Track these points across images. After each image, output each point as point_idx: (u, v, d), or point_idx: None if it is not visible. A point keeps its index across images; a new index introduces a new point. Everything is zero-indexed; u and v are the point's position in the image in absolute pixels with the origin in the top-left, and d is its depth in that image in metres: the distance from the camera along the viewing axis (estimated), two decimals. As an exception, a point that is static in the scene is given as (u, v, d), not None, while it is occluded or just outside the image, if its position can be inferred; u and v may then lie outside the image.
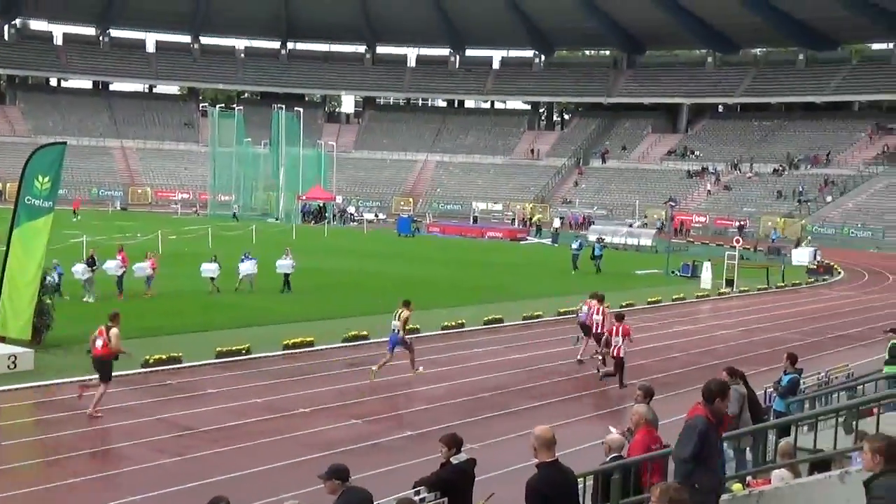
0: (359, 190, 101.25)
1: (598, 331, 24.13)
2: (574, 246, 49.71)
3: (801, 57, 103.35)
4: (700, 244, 71.77)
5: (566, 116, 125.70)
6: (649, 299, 37.86)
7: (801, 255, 59.06)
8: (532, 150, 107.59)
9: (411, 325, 23.02)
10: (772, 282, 47.15)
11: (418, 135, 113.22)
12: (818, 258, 57.12)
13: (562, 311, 33.42)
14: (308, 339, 25.29)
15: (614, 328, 22.44)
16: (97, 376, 17.99)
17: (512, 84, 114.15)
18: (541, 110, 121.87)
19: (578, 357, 24.96)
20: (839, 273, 54.68)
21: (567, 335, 28.09)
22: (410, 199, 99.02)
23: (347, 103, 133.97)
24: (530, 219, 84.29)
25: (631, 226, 74.57)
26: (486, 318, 30.55)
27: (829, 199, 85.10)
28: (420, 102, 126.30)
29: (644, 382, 13.41)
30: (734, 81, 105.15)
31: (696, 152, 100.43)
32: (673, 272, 49.38)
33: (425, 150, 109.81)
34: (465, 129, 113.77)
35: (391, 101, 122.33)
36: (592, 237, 67.47)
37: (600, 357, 23.60)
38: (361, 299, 34.45)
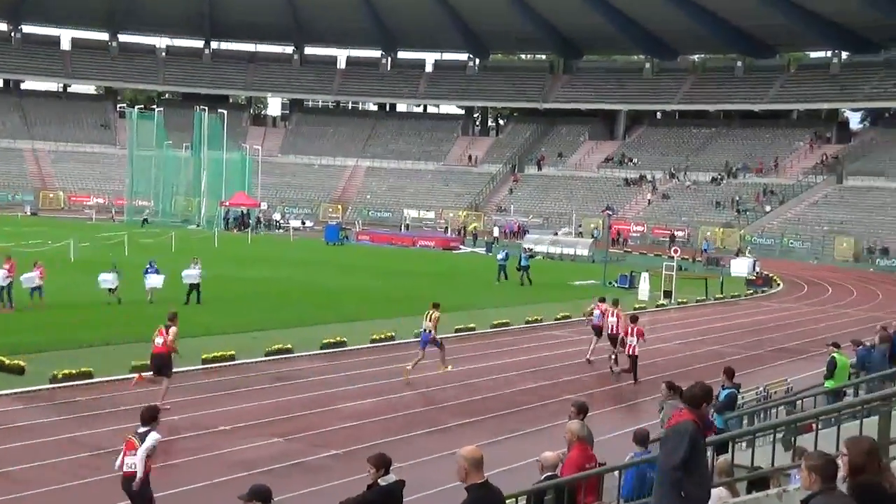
0: (285, 196, 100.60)
1: (613, 332, 26.97)
2: (500, 256, 49.74)
3: (739, 64, 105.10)
4: (638, 254, 72.48)
5: (501, 122, 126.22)
6: (585, 311, 38.03)
7: (740, 266, 59.91)
8: (468, 157, 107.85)
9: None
10: (710, 293, 47.73)
11: (348, 139, 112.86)
12: (757, 269, 57.99)
13: (496, 323, 33.43)
14: (229, 352, 24.95)
15: (629, 328, 25.45)
16: (154, 373, 20.54)
17: (445, 88, 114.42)
18: (475, 115, 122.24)
19: (588, 357, 27.46)
20: (778, 284, 55.55)
21: (498, 349, 28.15)
22: (339, 207, 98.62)
23: (274, 106, 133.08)
24: (464, 228, 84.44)
25: (556, 234, 75.14)
26: (416, 331, 30.39)
27: (767, 208, 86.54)
28: (350, 106, 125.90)
29: (577, 398, 13.39)
30: (672, 88, 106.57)
31: (634, 160, 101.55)
32: (610, 283, 49.75)
33: (355, 156, 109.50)
34: (397, 134, 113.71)
35: (320, 103, 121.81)
36: (527, 246, 67.99)
37: (614, 356, 26.45)
38: (286, 310, 34.12)
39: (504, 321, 33.88)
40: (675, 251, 48.86)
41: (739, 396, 17.68)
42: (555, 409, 21.46)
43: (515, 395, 22.89)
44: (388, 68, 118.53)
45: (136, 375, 21.30)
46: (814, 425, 11.59)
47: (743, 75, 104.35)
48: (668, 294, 44.72)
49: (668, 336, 34.30)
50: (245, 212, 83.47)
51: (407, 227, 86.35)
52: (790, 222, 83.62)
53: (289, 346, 26.45)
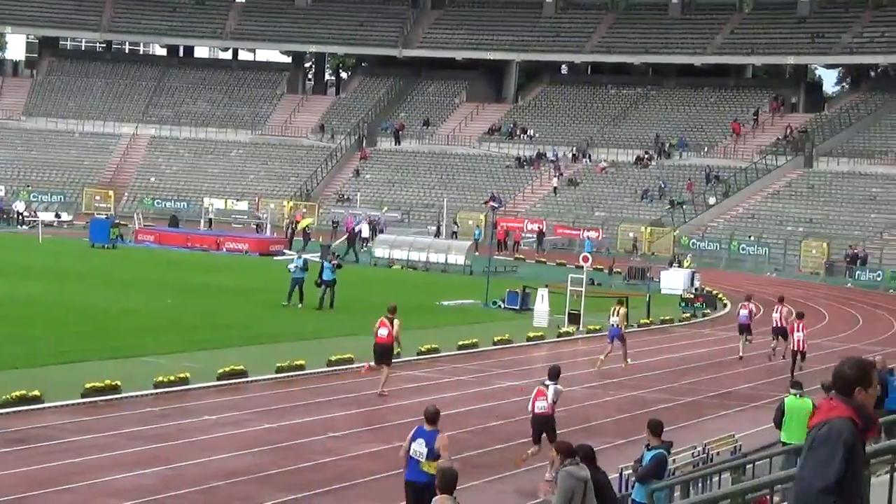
0: (32, 177, 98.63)
1: (778, 325, 39.71)
2: (293, 265, 47.25)
3: (674, 0, 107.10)
4: (534, 263, 73.21)
5: (344, 75, 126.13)
6: (460, 342, 38.27)
7: (673, 280, 60.99)
8: (296, 124, 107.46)
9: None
10: (633, 317, 48.48)
11: (124, 96, 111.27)
12: (696, 284, 59.13)
13: (334, 358, 33.40)
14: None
15: (796, 324, 36.93)
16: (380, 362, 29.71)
17: (264, 25, 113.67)
18: (307, 65, 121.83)
19: (740, 355, 40.11)
20: (724, 305, 56.77)
21: (330, 397, 28.33)
22: (110, 193, 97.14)
23: (15, 45, 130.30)
24: (293, 224, 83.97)
25: (435, 233, 75.39)
26: (221, 370, 30.25)
27: (711, 200, 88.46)
28: (127, 48, 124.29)
29: (445, 464, 13.50)
30: (583, 31, 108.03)
31: (530, 131, 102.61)
32: (495, 303, 50.11)
33: (134, 120, 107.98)
34: (195, 90, 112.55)
35: (83, 44, 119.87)
36: (380, 251, 68.19)
37: (773, 347, 40.07)
38: (30, 343, 33.51)
39: (345, 356, 33.86)
40: (585, 259, 49.47)
41: (670, 459, 18.08)
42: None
43: (353, 462, 22.98)
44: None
45: (364, 365, 30.65)
46: (769, 497, 11.96)
47: (680, 15, 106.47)
48: (574, 318, 45.28)
49: (574, 377, 34.80)
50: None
51: (210, 222, 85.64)
52: (741, 219, 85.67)
53: (36, 392, 26.00)
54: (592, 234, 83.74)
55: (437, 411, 17.46)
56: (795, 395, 20.59)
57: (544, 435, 22.24)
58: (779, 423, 20.52)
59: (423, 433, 17.14)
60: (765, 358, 40.15)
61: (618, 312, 37.22)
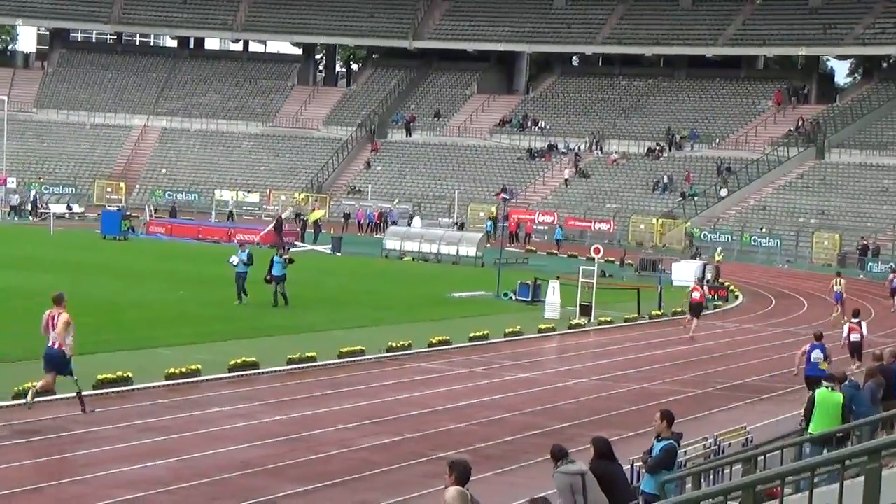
0: (43, 168, 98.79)
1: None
2: (236, 259, 43.93)
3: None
4: (546, 254, 73.21)
5: (355, 67, 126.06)
6: (471, 335, 38.19)
7: (685, 272, 60.98)
8: (307, 116, 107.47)
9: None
10: (644, 309, 48.51)
11: (134, 88, 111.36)
12: (709, 276, 59.14)
13: (345, 350, 33.39)
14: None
15: None
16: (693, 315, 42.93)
17: (275, 16, 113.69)
18: (318, 57, 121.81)
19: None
20: (736, 297, 56.79)
21: (342, 388, 28.28)
22: (122, 185, 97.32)
23: (26, 38, 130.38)
24: (298, 216, 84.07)
25: (447, 225, 75.34)
26: (232, 363, 30.24)
27: (723, 192, 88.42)
28: (137, 40, 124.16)
29: (457, 456, 13.48)
30: (594, 23, 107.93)
31: (541, 123, 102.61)
32: (506, 295, 50.11)
33: (145, 112, 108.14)
34: (205, 82, 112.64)
35: (94, 36, 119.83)
36: (391, 243, 68.24)
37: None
38: (40, 335, 33.54)
39: (356, 348, 33.88)
40: (597, 251, 49.43)
41: (681, 451, 18.07)
42: (416, 473, 21.61)
43: (374, 452, 22.95)
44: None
45: (685, 318, 43.58)
46: (779, 489, 11.95)
47: (691, 7, 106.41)
48: (585, 310, 45.27)
49: (585, 369, 34.78)
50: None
51: (231, 215, 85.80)
52: (753, 211, 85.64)
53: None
54: (602, 225, 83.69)
55: (822, 333, 29.13)
56: (828, 388, 20.53)
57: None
58: (808, 415, 20.41)
59: (817, 346, 27.81)
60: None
61: (840, 283, 49.99)
